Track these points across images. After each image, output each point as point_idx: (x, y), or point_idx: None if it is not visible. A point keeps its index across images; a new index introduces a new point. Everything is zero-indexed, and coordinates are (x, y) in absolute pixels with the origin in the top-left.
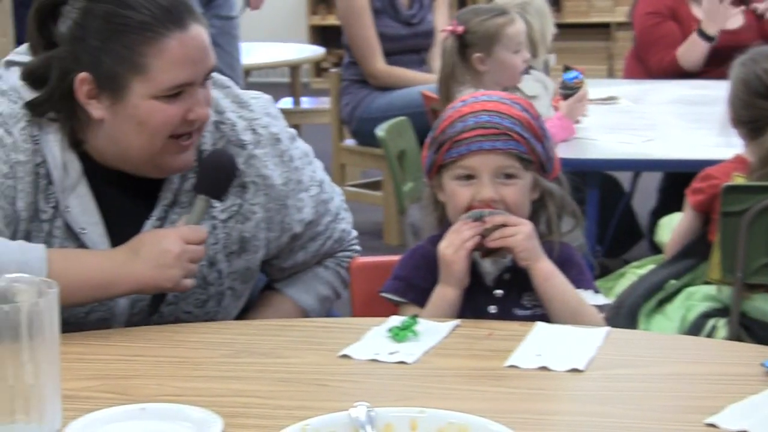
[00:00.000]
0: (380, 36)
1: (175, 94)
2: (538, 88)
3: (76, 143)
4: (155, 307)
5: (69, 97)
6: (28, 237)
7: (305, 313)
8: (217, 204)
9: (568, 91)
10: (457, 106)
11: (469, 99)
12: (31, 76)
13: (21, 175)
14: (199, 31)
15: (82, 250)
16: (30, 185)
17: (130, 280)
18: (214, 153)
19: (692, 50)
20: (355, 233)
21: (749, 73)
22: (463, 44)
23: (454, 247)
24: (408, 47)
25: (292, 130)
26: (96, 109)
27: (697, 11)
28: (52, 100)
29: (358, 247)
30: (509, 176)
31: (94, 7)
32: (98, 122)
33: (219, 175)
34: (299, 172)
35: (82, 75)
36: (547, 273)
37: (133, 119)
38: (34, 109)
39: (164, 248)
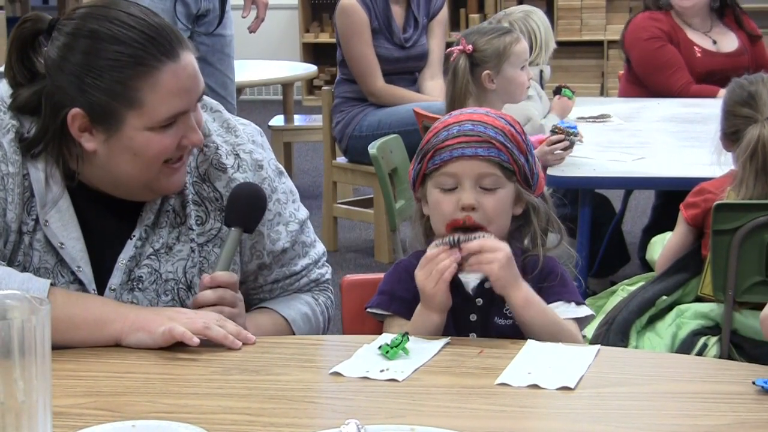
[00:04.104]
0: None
1: (169, 123)
2: (531, 91)
3: (69, 176)
4: None
5: (62, 131)
6: (15, 249)
7: (288, 325)
8: (195, 227)
9: (557, 134)
10: (444, 118)
11: (455, 112)
12: (23, 110)
13: (11, 187)
14: (190, 59)
15: (90, 294)
16: (19, 197)
17: (127, 319)
18: (243, 186)
19: None
20: (328, 276)
21: (734, 88)
22: (472, 63)
23: (433, 279)
24: (401, 69)
25: (280, 166)
26: (89, 142)
27: (692, 36)
28: (46, 137)
29: (332, 296)
30: (491, 187)
31: (79, 42)
32: (92, 154)
33: (251, 207)
34: (280, 205)
35: (75, 111)
36: (524, 300)
37: (129, 150)
38: (29, 147)
39: (182, 310)
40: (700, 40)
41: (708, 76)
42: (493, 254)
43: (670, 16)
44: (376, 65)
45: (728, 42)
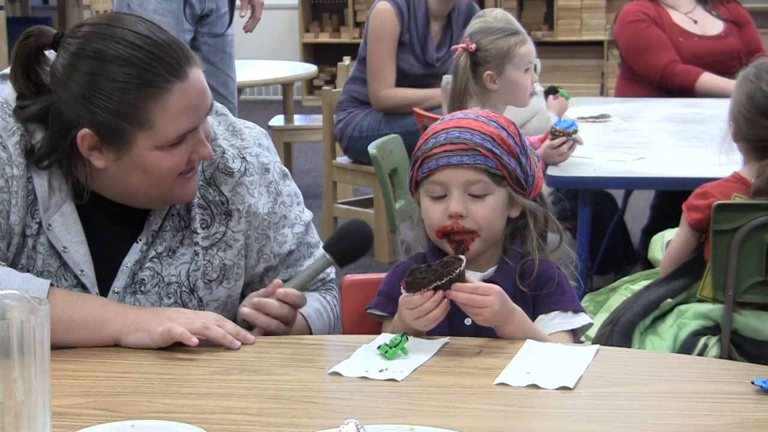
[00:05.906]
0: (397, 69)
1: (178, 141)
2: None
3: (78, 192)
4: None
5: (71, 150)
6: (18, 252)
7: (305, 321)
8: (200, 231)
9: (557, 135)
10: (435, 124)
11: (447, 117)
12: (31, 120)
13: (15, 189)
14: (198, 75)
15: (89, 294)
16: (23, 199)
17: (126, 319)
18: (359, 225)
19: (720, 87)
20: (333, 276)
21: (754, 90)
22: (475, 62)
23: (424, 324)
24: (422, 84)
25: (285, 169)
26: (99, 161)
27: (676, 18)
28: (54, 154)
29: (337, 296)
30: (480, 194)
31: (84, 62)
32: (102, 170)
33: (356, 249)
34: (285, 208)
35: (84, 131)
36: (513, 334)
37: (139, 168)
38: (37, 162)
39: (181, 311)
40: (683, 21)
41: (695, 59)
42: (481, 309)
43: (657, 3)
44: (391, 76)
45: (712, 25)
